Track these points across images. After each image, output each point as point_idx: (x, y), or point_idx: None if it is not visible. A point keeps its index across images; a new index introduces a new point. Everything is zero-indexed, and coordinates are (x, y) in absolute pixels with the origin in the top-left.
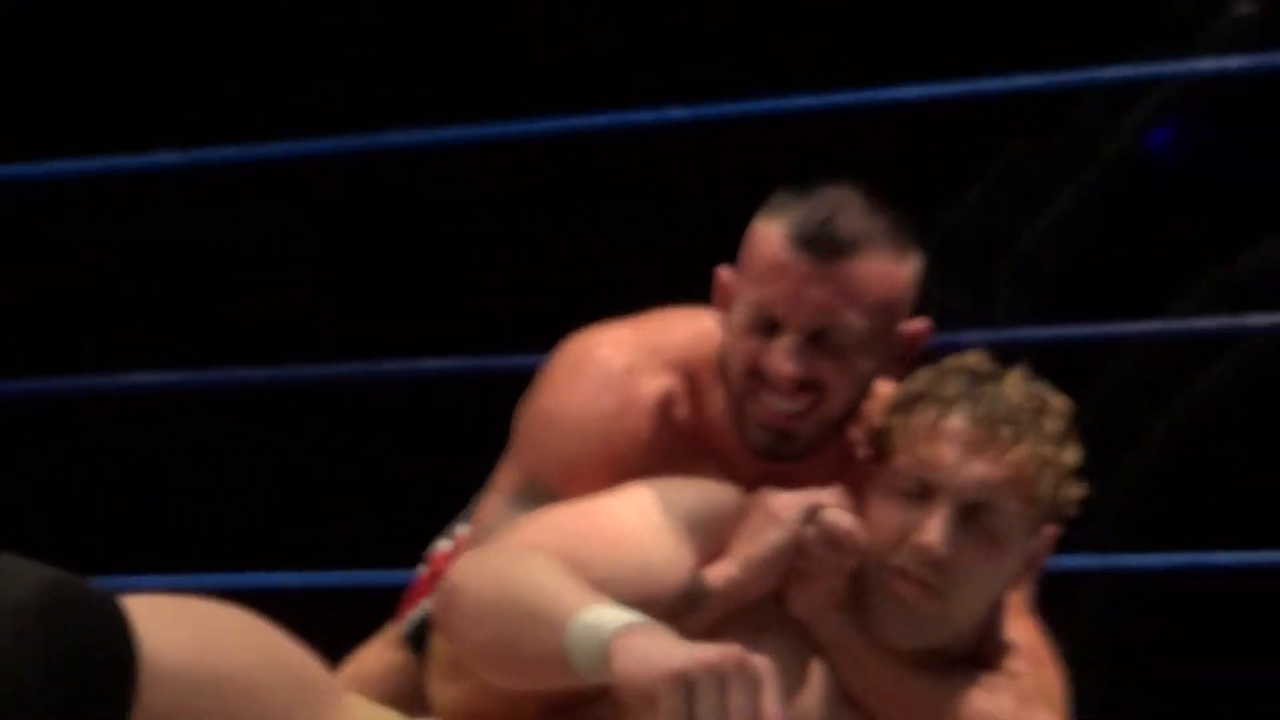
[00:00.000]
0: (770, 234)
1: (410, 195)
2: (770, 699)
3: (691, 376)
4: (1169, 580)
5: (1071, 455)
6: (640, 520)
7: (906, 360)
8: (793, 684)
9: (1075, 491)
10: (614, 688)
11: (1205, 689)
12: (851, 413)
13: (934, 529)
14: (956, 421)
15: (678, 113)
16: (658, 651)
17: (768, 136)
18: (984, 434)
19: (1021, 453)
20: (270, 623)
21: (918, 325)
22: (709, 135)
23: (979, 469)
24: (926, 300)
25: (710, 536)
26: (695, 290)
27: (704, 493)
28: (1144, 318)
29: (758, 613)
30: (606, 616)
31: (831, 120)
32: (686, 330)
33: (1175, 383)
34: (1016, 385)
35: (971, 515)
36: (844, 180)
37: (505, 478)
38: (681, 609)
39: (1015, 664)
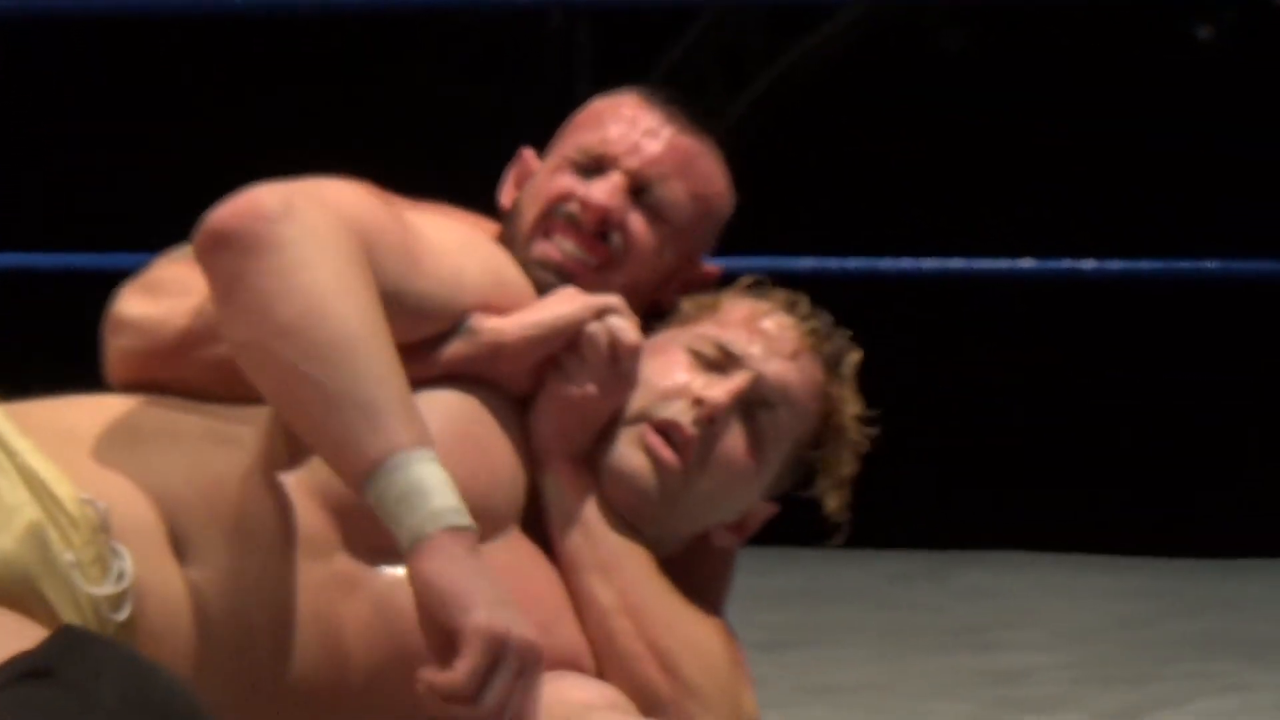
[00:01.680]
0: (621, 96)
1: None
2: (536, 708)
3: None
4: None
5: (851, 467)
6: (455, 244)
7: (685, 292)
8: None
9: (835, 501)
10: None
11: None
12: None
13: (726, 390)
14: (788, 320)
15: None
16: (478, 592)
17: None
18: (811, 347)
19: (834, 391)
20: None
21: (712, 267)
22: None
23: (788, 368)
24: None
25: (501, 292)
26: None
27: (510, 259)
28: None
29: (500, 402)
30: (435, 489)
31: None
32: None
33: (758, 56)
34: (854, 350)
35: (755, 410)
36: None
37: None
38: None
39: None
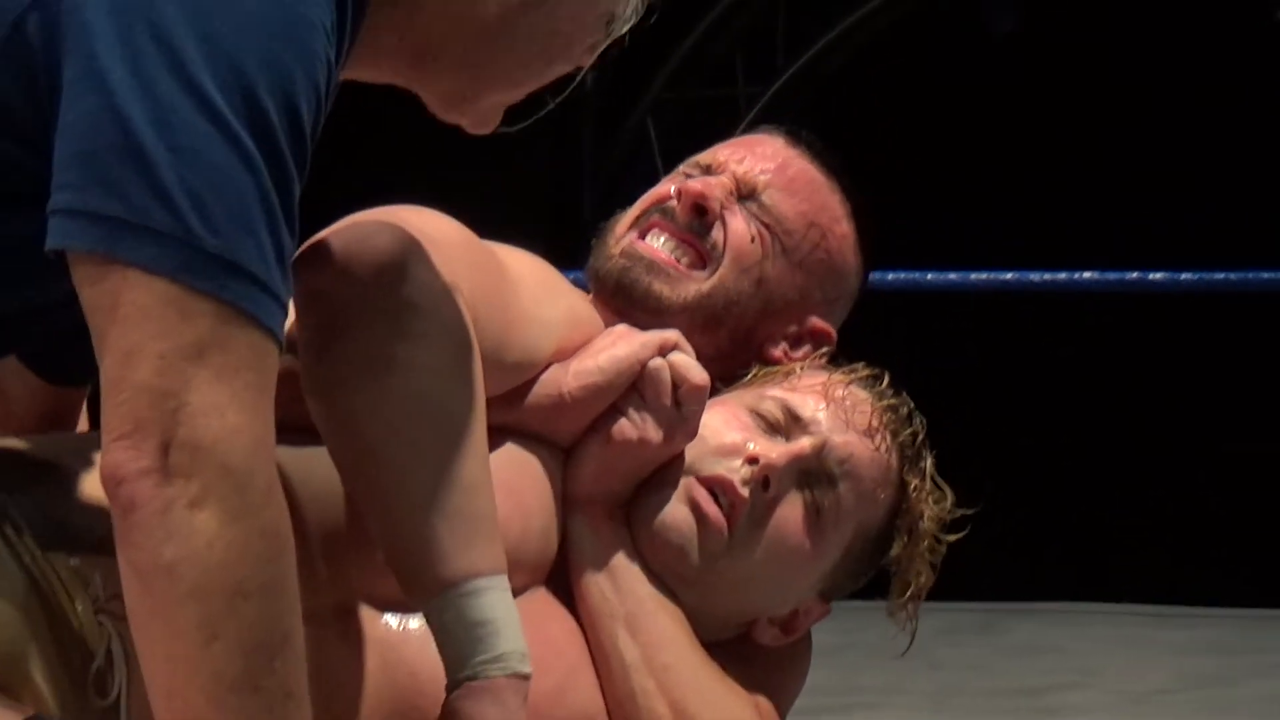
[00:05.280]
0: (750, 133)
1: None
2: None
3: None
4: None
5: (926, 577)
6: (541, 292)
7: (799, 346)
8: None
9: (902, 614)
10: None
11: None
12: (714, 326)
13: (785, 452)
14: (865, 395)
15: None
16: None
17: None
18: (887, 426)
19: (910, 481)
20: None
21: (826, 326)
22: None
23: (859, 443)
24: None
25: (575, 336)
26: None
27: (584, 299)
28: None
29: (545, 452)
30: (508, 628)
31: None
32: None
33: (787, 41)
34: (929, 463)
35: (816, 484)
36: None
37: None
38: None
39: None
